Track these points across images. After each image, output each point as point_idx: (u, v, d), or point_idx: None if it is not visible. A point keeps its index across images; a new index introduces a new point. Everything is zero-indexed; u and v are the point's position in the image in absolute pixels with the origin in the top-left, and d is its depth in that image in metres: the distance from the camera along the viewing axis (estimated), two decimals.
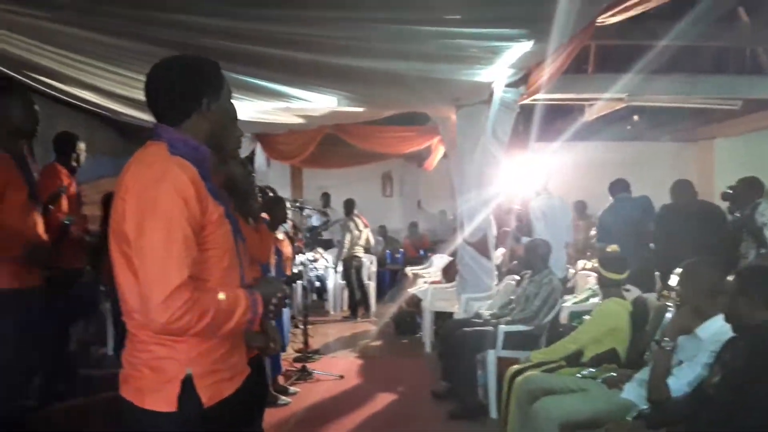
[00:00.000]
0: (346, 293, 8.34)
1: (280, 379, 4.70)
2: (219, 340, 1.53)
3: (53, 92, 5.23)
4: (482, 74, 4.45)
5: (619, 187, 5.74)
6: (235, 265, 1.61)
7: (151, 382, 1.46)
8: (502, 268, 6.63)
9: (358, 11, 3.29)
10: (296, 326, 5.56)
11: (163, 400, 1.44)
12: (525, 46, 3.73)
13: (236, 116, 1.77)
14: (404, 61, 4.27)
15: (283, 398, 4.43)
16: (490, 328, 4.36)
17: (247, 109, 6.17)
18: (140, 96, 5.60)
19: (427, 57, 4.16)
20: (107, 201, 4.81)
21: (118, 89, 5.05)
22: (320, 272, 8.41)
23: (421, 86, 5.14)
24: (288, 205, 4.55)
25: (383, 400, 4.60)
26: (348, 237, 8.10)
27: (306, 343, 5.58)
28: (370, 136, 8.03)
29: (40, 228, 2.70)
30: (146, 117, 6.89)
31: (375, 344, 6.62)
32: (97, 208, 5.08)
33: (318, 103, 5.79)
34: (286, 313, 4.41)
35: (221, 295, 1.48)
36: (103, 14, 3.60)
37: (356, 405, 4.46)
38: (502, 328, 4.26)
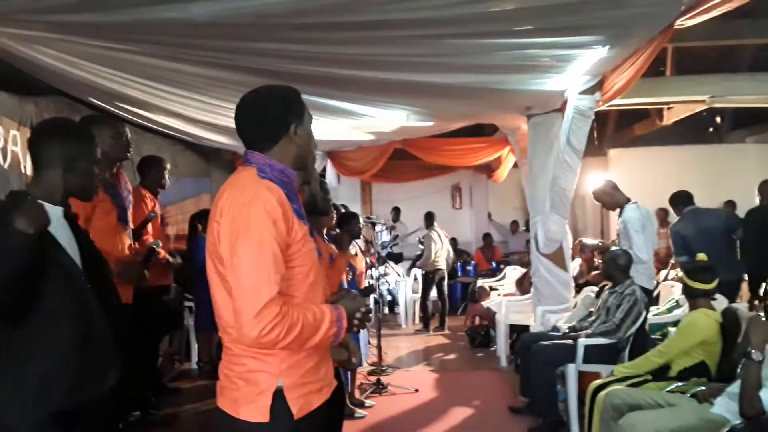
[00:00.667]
0: (417, 306, 8.34)
1: (356, 393, 4.76)
2: (307, 354, 1.59)
3: (140, 120, 5.55)
4: (554, 82, 4.39)
5: (681, 199, 5.52)
6: (319, 281, 1.67)
7: (246, 393, 1.53)
8: (578, 280, 6.46)
9: (429, 29, 3.33)
10: (368, 342, 5.60)
11: (256, 411, 1.51)
12: (600, 52, 3.66)
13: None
14: (474, 74, 4.28)
15: (360, 411, 4.48)
16: (569, 341, 4.26)
17: (319, 128, 6.35)
18: (220, 121, 5.87)
19: (498, 68, 4.15)
20: (193, 221, 5.02)
21: (200, 115, 5.31)
22: (392, 286, 8.46)
23: (492, 98, 5.13)
24: (360, 220, 4.63)
25: (459, 414, 4.56)
26: (432, 248, 8.07)
27: (380, 356, 5.62)
28: (439, 148, 8.04)
29: (128, 249, 2.87)
30: (225, 140, 7.19)
31: (449, 358, 6.58)
32: (181, 228, 5.34)
33: (387, 119, 5.87)
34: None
35: (307, 311, 1.54)
36: (187, 46, 3.80)
37: (432, 419, 4.45)
38: (582, 341, 4.15)
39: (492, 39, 3.41)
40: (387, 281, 8.47)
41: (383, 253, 6.52)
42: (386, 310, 8.84)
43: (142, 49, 3.80)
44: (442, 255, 8.10)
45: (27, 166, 4.30)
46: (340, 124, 6.07)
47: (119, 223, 2.83)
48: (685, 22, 3.21)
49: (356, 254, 4.60)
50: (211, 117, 5.33)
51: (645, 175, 8.23)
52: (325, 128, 6.32)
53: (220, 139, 6.87)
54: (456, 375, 5.81)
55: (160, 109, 5.09)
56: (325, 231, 3.99)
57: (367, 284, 5.35)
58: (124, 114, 5.17)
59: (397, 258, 9.49)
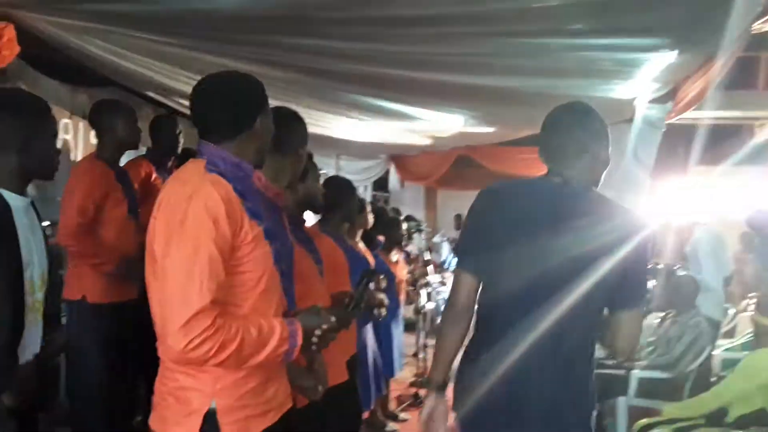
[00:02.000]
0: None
1: (392, 404, 4.56)
2: (249, 372, 1.42)
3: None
4: (622, 89, 4.04)
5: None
6: (272, 289, 1.49)
7: (175, 412, 1.38)
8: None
9: (478, 25, 3.10)
10: (415, 354, 5.37)
11: None
12: (667, 58, 3.30)
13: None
14: (533, 77, 4.01)
15: (391, 425, 4.28)
16: (621, 371, 3.88)
17: (376, 131, 6.20)
18: None
19: (557, 72, 3.87)
20: None
21: None
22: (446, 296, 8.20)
23: (554, 104, 4.80)
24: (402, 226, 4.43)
25: None
26: None
27: (424, 368, 5.37)
28: (503, 157, 7.73)
29: (137, 242, 2.80)
30: None
31: None
32: None
33: (444, 123, 5.65)
34: (397, 334, 4.24)
35: (251, 324, 1.37)
36: (230, 42, 3.76)
37: None
38: (636, 372, 3.76)
39: (543, 39, 3.13)
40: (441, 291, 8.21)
41: (430, 258, 6.26)
42: (439, 321, 8.57)
43: (186, 42, 3.79)
44: None
45: (78, 155, 4.42)
46: (394, 126, 5.90)
47: (129, 215, 2.76)
48: (763, 26, 2.81)
49: (397, 261, 4.39)
50: None
51: (734, 196, 7.54)
52: (380, 131, 6.19)
53: None
54: None
55: None
56: (360, 232, 3.83)
57: (423, 293, 5.11)
58: (179, 108, 5.24)
59: None
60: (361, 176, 9.32)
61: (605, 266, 1.61)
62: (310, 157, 2.43)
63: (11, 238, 1.60)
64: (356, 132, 6.35)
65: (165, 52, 3.95)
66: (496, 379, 1.66)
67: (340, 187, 2.99)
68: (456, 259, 1.86)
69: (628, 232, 1.66)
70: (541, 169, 1.88)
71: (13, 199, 1.65)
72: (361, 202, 3.78)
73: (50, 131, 1.77)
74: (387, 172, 9.21)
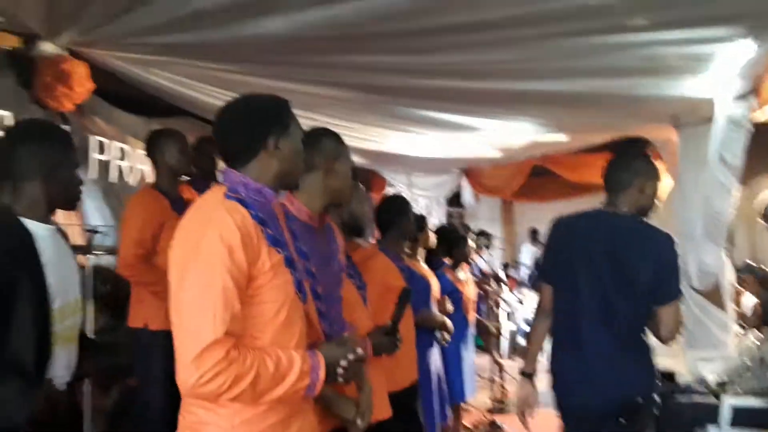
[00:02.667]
0: None
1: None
2: (270, 407, 1.36)
3: None
4: (695, 87, 3.73)
5: None
6: (294, 320, 1.44)
7: None
8: (749, 322, 5.43)
9: (535, 27, 2.95)
10: (492, 379, 5.15)
11: None
12: (744, 49, 3.00)
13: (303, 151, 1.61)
14: (599, 78, 3.79)
15: None
16: (711, 400, 3.53)
17: (444, 145, 6.10)
18: None
19: (624, 72, 3.62)
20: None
21: None
22: (530, 315, 7.88)
23: (627, 106, 4.53)
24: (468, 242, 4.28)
25: None
26: None
27: (502, 393, 5.15)
28: (581, 165, 7.35)
29: None
30: (354, 159, 7.25)
31: None
32: None
33: (512, 133, 5.47)
34: (467, 357, 4.07)
35: (268, 357, 1.32)
36: (291, 64, 3.80)
37: None
38: (729, 400, 3.41)
39: (603, 36, 2.94)
40: (524, 308, 7.92)
41: (502, 276, 6.03)
42: (523, 342, 8.24)
43: (244, 68, 3.88)
44: None
45: None
46: (461, 139, 5.77)
47: None
48: None
49: (465, 280, 4.23)
50: None
51: None
52: (448, 145, 6.07)
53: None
54: None
55: None
56: (422, 251, 3.73)
57: (503, 312, 4.93)
58: None
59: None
60: (433, 192, 9.20)
61: (644, 273, 2.16)
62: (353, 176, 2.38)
63: (35, 266, 1.58)
64: (423, 147, 6.27)
65: (225, 79, 4.05)
66: (568, 361, 2.29)
67: (396, 205, 2.93)
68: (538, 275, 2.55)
69: (660, 247, 2.22)
70: None
71: (37, 228, 1.66)
72: (421, 220, 3.68)
73: (74, 161, 1.79)
74: (460, 187, 9.03)
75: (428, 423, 3.09)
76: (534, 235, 9.26)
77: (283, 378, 1.32)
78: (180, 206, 2.78)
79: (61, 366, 1.72)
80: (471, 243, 4.30)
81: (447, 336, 3.36)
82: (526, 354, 2.55)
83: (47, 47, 3.47)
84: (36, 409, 1.55)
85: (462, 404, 4.48)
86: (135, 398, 2.72)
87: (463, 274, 4.25)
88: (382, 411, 2.28)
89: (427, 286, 3.24)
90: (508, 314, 7.38)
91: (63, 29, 3.27)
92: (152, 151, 2.91)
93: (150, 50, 3.57)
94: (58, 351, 1.68)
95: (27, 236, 1.58)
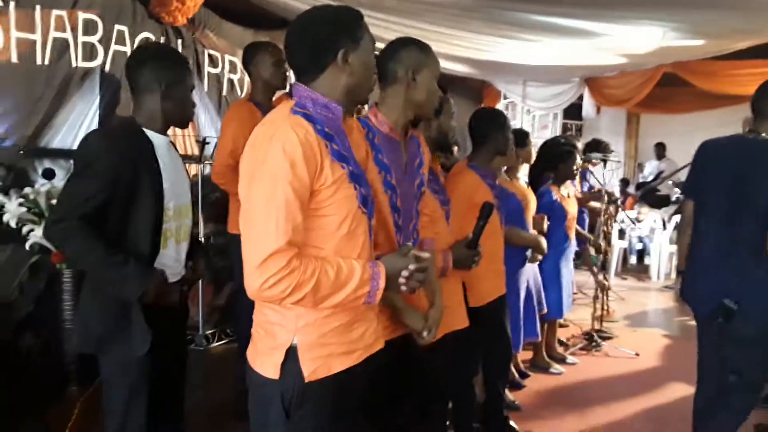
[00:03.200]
0: (674, 260, 7.25)
1: (558, 347, 4.35)
2: (333, 312, 1.42)
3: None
4: None
5: None
6: (357, 233, 1.46)
7: (264, 345, 1.44)
8: None
9: None
10: (596, 296, 4.99)
11: (269, 366, 1.41)
12: None
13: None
14: None
15: (557, 367, 4.09)
16: None
17: (561, 52, 5.70)
18: (443, 49, 5.65)
19: None
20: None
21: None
22: (644, 233, 7.49)
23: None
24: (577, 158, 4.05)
25: (679, 392, 3.86)
26: None
27: (602, 310, 4.98)
28: (720, 73, 6.64)
29: None
30: (462, 69, 6.97)
31: (694, 323, 5.59)
32: None
33: (637, 38, 4.98)
34: (566, 274, 3.99)
35: (329, 265, 1.36)
36: None
37: (642, 392, 3.85)
38: None
39: None
40: (639, 227, 7.53)
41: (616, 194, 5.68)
42: (634, 260, 7.90)
43: None
44: None
45: None
46: (579, 45, 5.35)
47: None
48: None
49: (568, 195, 4.05)
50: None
51: None
52: (565, 51, 5.67)
53: (455, 67, 6.69)
54: (695, 345, 4.90)
55: (380, 38, 5.09)
56: (522, 167, 3.60)
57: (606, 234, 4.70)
58: None
59: (661, 201, 8.28)
60: (550, 103, 8.75)
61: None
62: (442, 90, 2.31)
63: (154, 169, 1.84)
64: (539, 55, 5.91)
65: None
66: (702, 264, 2.53)
67: (489, 118, 2.81)
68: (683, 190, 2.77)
69: None
70: (755, 86, 2.54)
71: (156, 138, 1.90)
72: (524, 135, 3.52)
73: (189, 83, 1.96)
74: (581, 98, 8.49)
75: (513, 338, 3.10)
76: (660, 149, 8.57)
77: (343, 285, 1.36)
78: None
79: (171, 258, 1.95)
80: (578, 158, 4.04)
81: (538, 256, 3.29)
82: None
83: None
84: (149, 290, 1.80)
85: (561, 320, 4.45)
86: (234, 298, 2.94)
87: (566, 189, 4.07)
88: (458, 321, 2.33)
89: (519, 205, 3.15)
90: (620, 232, 7.06)
91: None
92: (248, 64, 2.97)
93: None
94: (170, 246, 1.93)
95: (149, 143, 1.87)
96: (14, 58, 2.94)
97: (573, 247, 4.11)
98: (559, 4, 4.06)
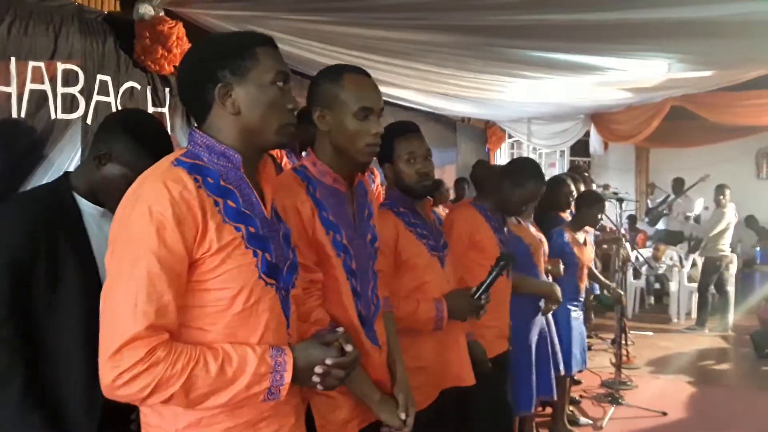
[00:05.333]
0: (694, 298, 6.92)
1: (575, 409, 4.01)
2: (225, 410, 1.14)
3: None
4: None
5: None
6: (258, 312, 1.18)
7: None
8: None
9: None
10: (614, 341, 4.69)
11: None
12: None
13: (286, 102, 1.24)
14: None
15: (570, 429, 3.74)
16: None
17: (565, 88, 5.56)
18: (436, 88, 5.58)
19: None
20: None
21: (415, 84, 5.08)
22: (660, 271, 7.19)
23: None
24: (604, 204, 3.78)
25: None
26: (719, 228, 6.56)
27: (619, 359, 4.63)
28: (729, 105, 6.47)
29: None
30: (463, 109, 6.86)
31: (722, 368, 5.28)
32: None
33: (641, 71, 4.83)
34: (576, 327, 3.65)
35: (213, 356, 1.10)
36: (384, 10, 3.55)
37: None
38: None
39: None
40: (657, 266, 7.24)
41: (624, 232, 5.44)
42: (652, 301, 7.57)
43: (337, 18, 3.69)
44: (726, 237, 6.52)
45: None
46: (583, 81, 5.20)
47: None
48: None
49: (584, 243, 3.76)
50: (426, 85, 5.04)
51: None
52: (569, 88, 5.53)
53: (457, 108, 6.57)
54: (729, 394, 4.59)
55: (380, 81, 4.99)
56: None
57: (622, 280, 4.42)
58: None
59: (674, 238, 7.99)
60: (556, 140, 8.59)
61: None
62: (391, 134, 2.07)
63: (81, 247, 1.51)
64: (541, 92, 5.77)
65: (321, 31, 3.90)
66: None
67: (485, 166, 2.63)
68: None
69: None
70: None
71: (86, 206, 1.57)
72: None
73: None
74: (588, 134, 8.33)
75: (524, 396, 2.82)
76: (678, 185, 8.24)
77: (231, 382, 1.10)
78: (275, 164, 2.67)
79: None
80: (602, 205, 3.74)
81: (552, 306, 3.00)
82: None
83: (145, 9, 3.48)
84: None
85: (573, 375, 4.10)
86: None
87: (583, 235, 3.80)
88: (464, 378, 2.12)
89: (527, 250, 2.90)
90: (634, 271, 6.77)
91: None
92: None
93: (240, 6, 3.49)
94: None
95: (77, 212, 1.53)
96: None
97: (583, 297, 3.79)
98: (555, 39, 3.92)
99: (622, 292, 4.34)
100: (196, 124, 1.26)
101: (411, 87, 5.24)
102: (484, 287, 2.07)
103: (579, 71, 4.76)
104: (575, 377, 4.34)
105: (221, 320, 1.14)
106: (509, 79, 5.06)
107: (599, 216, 3.73)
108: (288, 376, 1.15)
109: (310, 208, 1.50)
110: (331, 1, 3.44)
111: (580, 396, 4.36)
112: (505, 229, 2.54)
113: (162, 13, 3.53)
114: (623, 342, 4.75)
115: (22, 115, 3.04)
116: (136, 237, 1.08)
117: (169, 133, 3.82)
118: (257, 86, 1.20)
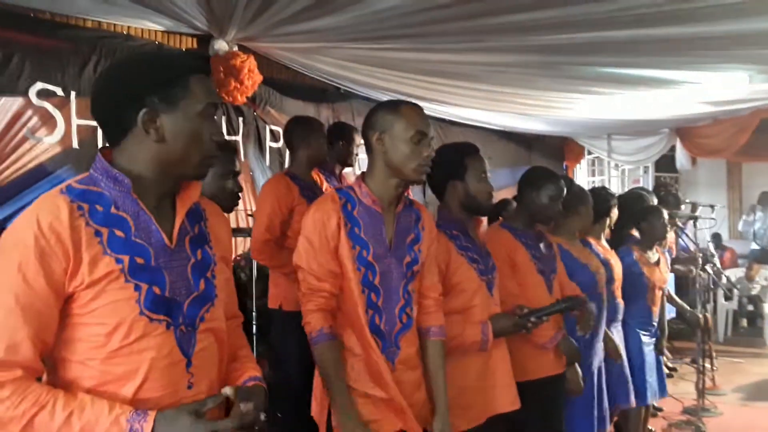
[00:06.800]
0: None
1: None
2: None
3: (441, 115, 5.61)
4: None
5: None
6: (142, 348, 1.11)
7: None
8: None
9: None
10: (694, 360, 4.42)
11: None
12: None
13: (212, 134, 1.20)
14: None
15: None
16: None
17: (642, 103, 5.38)
18: (504, 108, 5.56)
19: None
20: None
21: (480, 104, 5.10)
22: (754, 291, 6.72)
23: None
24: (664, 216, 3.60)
25: None
26: None
27: (702, 384, 4.34)
28: None
29: None
30: (540, 127, 6.76)
31: None
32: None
33: (720, 84, 4.61)
34: (649, 353, 3.35)
35: (63, 405, 1.04)
36: (444, 34, 3.62)
37: None
38: None
39: None
40: (751, 286, 6.77)
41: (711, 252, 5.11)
42: (745, 323, 7.07)
43: (397, 45, 3.79)
44: None
45: None
46: (661, 95, 5.02)
47: None
48: None
49: (657, 261, 3.57)
50: (492, 105, 5.05)
51: None
52: (647, 103, 5.34)
53: (529, 126, 6.50)
54: None
55: (443, 102, 5.05)
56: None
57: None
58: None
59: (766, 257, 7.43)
60: (639, 156, 8.29)
61: None
62: (462, 152, 2.14)
63: None
64: (618, 107, 5.61)
65: (384, 57, 4.03)
66: None
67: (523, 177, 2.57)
68: None
69: None
70: None
71: None
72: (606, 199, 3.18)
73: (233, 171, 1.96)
74: (673, 149, 7.97)
75: (582, 426, 2.71)
76: (765, 199, 7.70)
77: None
78: (310, 192, 2.80)
79: None
80: (665, 215, 3.54)
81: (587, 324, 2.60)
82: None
83: (220, 45, 3.74)
84: None
85: (652, 405, 3.87)
86: (274, 376, 2.81)
87: (655, 255, 3.56)
88: (509, 403, 2.10)
89: (592, 278, 2.75)
90: (725, 294, 6.36)
91: (227, 26, 3.49)
92: (289, 139, 2.96)
93: (305, 38, 3.67)
94: None
95: None
96: (75, 144, 3.10)
97: (656, 322, 3.56)
98: (621, 54, 3.83)
99: (701, 316, 4.10)
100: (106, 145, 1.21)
101: (477, 107, 5.27)
102: (537, 315, 2.09)
103: (651, 85, 4.61)
104: (656, 405, 4.14)
105: (98, 356, 1.09)
106: (578, 95, 4.99)
107: (665, 227, 3.50)
108: None
109: (336, 222, 1.66)
110: (391, 29, 3.53)
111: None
112: (542, 245, 2.50)
113: (235, 48, 3.79)
114: (707, 367, 4.47)
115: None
116: (2, 265, 1.06)
117: (242, 159, 4.14)
118: (186, 116, 1.15)
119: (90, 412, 1.04)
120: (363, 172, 1.79)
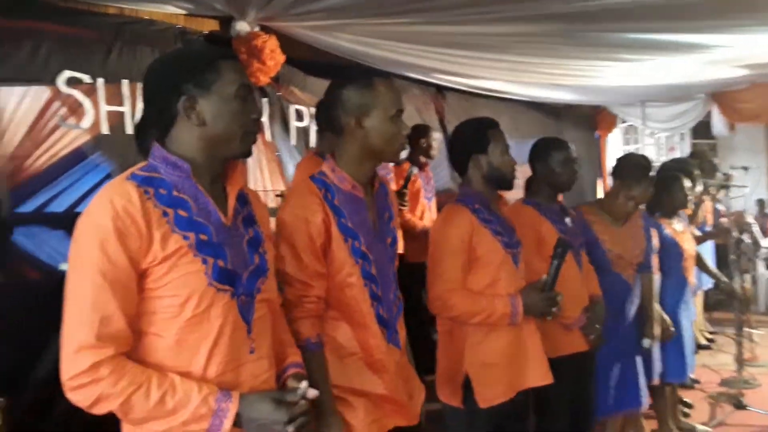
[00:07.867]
0: None
1: (678, 413, 3.71)
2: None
3: (466, 88, 5.53)
4: None
5: None
6: (209, 319, 1.21)
7: None
8: None
9: None
10: (739, 338, 4.29)
11: None
12: None
13: (250, 112, 1.30)
14: None
15: None
16: None
17: (675, 68, 5.21)
18: (533, 79, 5.42)
19: None
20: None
21: (509, 76, 5.00)
22: None
23: None
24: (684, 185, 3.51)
25: None
26: None
27: (741, 356, 4.25)
28: None
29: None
30: (568, 96, 6.59)
31: None
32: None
33: (757, 47, 4.43)
34: (686, 326, 3.32)
35: (158, 383, 1.15)
36: (461, 5, 3.55)
37: None
38: None
39: None
40: None
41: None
42: None
43: (417, 19, 3.74)
44: None
45: None
46: (694, 60, 4.85)
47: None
48: None
49: (682, 231, 3.51)
50: (517, 76, 4.95)
51: None
52: (680, 68, 5.17)
53: (557, 95, 6.36)
54: None
55: (468, 75, 4.97)
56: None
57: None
58: (444, 83, 5.25)
59: None
60: (674, 123, 8.01)
61: None
62: (484, 126, 2.12)
63: None
64: (649, 73, 5.44)
65: (405, 32, 3.98)
66: None
67: (536, 147, 2.52)
68: None
69: None
70: None
71: None
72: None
73: None
74: (709, 114, 7.69)
75: (601, 404, 2.68)
76: None
77: (170, 413, 1.14)
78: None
79: None
80: (686, 183, 3.44)
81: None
82: None
83: (241, 26, 3.74)
84: None
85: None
86: None
87: (680, 224, 3.49)
88: (540, 377, 2.10)
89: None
90: (766, 263, 6.19)
91: (247, 7, 3.49)
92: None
93: (325, 15, 3.65)
94: None
95: None
96: (105, 130, 3.16)
97: (690, 292, 3.50)
98: (647, 20, 3.68)
99: (737, 286, 4.01)
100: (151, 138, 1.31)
101: (502, 79, 5.18)
102: (551, 279, 2.05)
103: (681, 50, 4.46)
104: (693, 377, 4.09)
105: (173, 326, 1.19)
106: (606, 63, 4.85)
107: (685, 196, 3.40)
108: (228, 424, 1.16)
109: (322, 218, 1.56)
110: (412, 2, 3.49)
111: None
112: (567, 219, 2.47)
113: (257, 29, 3.79)
114: (745, 338, 4.36)
115: None
116: (81, 252, 1.16)
117: (268, 140, 4.16)
118: (221, 98, 1.25)
119: (180, 392, 1.15)
120: (331, 155, 1.67)
